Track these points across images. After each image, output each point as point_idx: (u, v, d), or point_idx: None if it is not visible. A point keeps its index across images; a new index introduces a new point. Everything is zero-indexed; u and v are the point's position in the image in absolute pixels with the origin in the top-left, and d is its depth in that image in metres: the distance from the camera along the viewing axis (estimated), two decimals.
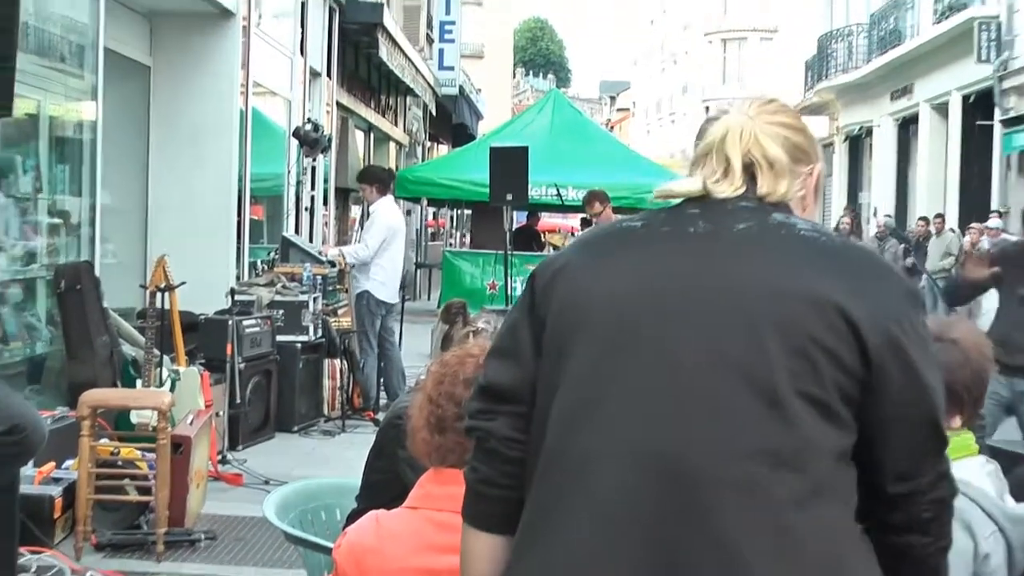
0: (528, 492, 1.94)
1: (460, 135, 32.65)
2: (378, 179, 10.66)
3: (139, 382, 7.33)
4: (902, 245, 18.64)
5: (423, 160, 27.62)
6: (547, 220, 29.86)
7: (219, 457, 7.83)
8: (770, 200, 1.98)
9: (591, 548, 1.80)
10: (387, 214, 10.55)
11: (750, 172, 2.00)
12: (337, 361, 10.01)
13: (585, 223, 13.64)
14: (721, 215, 1.96)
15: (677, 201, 2.05)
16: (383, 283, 10.35)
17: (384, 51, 18.20)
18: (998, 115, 22.16)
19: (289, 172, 13.67)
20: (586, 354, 1.90)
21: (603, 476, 1.83)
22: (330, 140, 14.54)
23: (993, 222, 18.52)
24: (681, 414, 1.81)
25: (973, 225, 18.61)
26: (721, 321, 1.84)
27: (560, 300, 1.97)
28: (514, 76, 66.23)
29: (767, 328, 1.81)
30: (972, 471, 2.78)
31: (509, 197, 12.26)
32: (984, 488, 2.76)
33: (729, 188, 1.98)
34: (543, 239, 23.92)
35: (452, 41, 29.24)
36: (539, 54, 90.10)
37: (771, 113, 2.06)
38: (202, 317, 8.79)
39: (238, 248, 11.24)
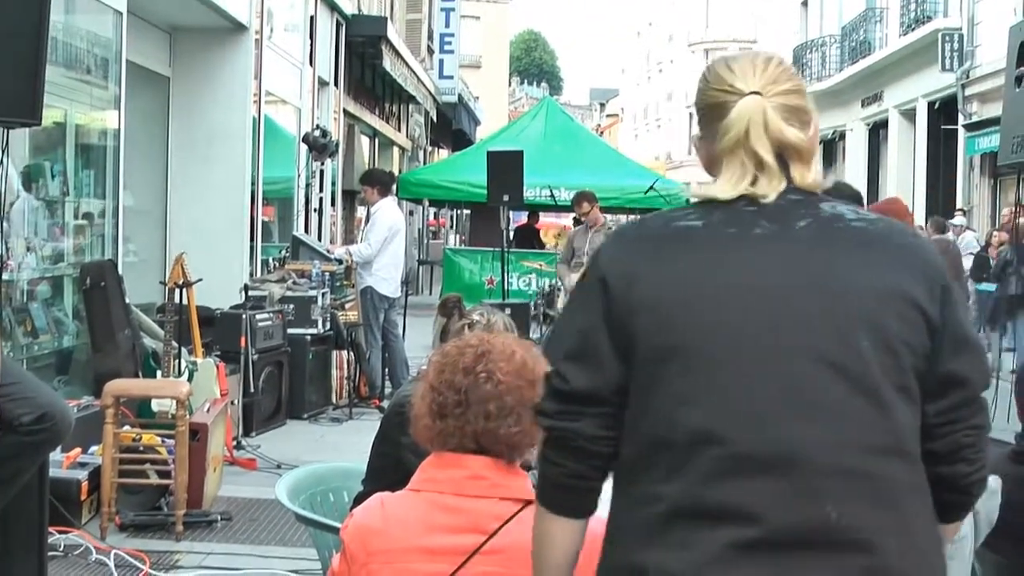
0: (633, 486, 1.89)
1: (459, 140, 32.63)
2: (379, 181, 10.62)
3: (159, 373, 7.32)
4: None
5: (425, 164, 27.60)
6: (542, 219, 29.90)
7: (234, 443, 7.83)
8: (807, 187, 1.96)
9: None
10: (388, 214, 10.50)
11: (781, 160, 1.95)
12: (344, 352, 10.00)
13: (577, 222, 13.61)
14: (777, 213, 1.91)
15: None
16: (385, 279, 10.34)
17: (388, 62, 18.18)
18: (961, 120, 22.16)
19: (299, 175, 13.67)
20: (690, 354, 1.85)
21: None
22: (337, 145, 14.54)
23: (957, 219, 18.54)
24: (790, 413, 1.80)
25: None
26: (814, 322, 1.83)
27: (649, 304, 1.88)
28: (510, 84, 66.12)
29: (856, 326, 1.83)
30: None
31: (505, 198, 12.26)
32: None
33: (771, 188, 1.93)
34: (541, 237, 23.90)
35: (451, 52, 29.22)
36: (533, 64, 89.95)
37: (777, 82, 1.97)
38: (218, 312, 8.78)
39: (251, 247, 11.24)
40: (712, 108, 1.99)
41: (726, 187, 1.95)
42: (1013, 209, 18.93)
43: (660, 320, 1.87)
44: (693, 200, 2.02)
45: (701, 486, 1.79)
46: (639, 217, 2.14)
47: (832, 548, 1.77)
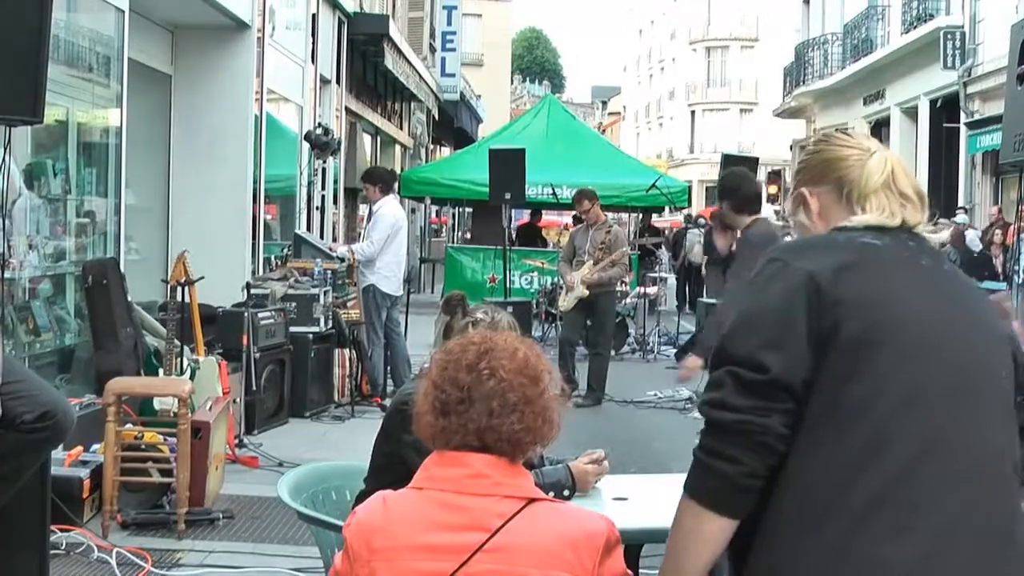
0: (842, 480, 1.97)
1: (461, 138, 32.62)
2: (381, 179, 10.62)
3: (161, 371, 7.32)
4: None
5: (427, 162, 27.59)
6: (544, 217, 29.92)
7: (236, 441, 7.84)
8: (917, 230, 2.22)
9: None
10: (389, 212, 10.52)
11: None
12: (346, 351, 10.00)
13: (577, 220, 13.60)
14: (927, 250, 2.19)
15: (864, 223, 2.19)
16: (387, 277, 10.34)
17: (390, 60, 18.18)
18: (963, 118, 22.16)
19: (301, 173, 13.67)
20: (892, 358, 2.00)
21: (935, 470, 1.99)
22: (339, 143, 14.54)
23: (959, 218, 18.53)
24: (974, 416, 2.05)
25: (941, 221, 18.58)
26: (978, 347, 2.11)
27: (855, 307, 2.01)
28: (512, 82, 66.07)
29: (997, 356, 2.14)
30: None
31: (507, 196, 12.27)
32: None
33: (918, 219, 2.22)
34: (543, 235, 23.93)
35: (453, 50, 29.23)
36: (535, 62, 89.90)
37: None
38: (220, 310, 8.78)
39: (253, 245, 11.23)
40: (832, 162, 2.28)
41: (885, 218, 2.19)
42: (999, 208, 19.02)
43: (859, 321, 2.00)
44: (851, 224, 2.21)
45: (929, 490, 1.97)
46: (801, 237, 2.33)
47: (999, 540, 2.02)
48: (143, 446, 6.13)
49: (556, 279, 15.06)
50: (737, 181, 6.89)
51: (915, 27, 24.09)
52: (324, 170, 14.44)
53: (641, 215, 22.83)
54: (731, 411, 1.97)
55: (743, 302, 2.14)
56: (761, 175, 31.62)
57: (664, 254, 21.03)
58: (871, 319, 2.00)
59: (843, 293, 2.01)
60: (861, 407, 1.97)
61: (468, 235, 25.90)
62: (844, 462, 1.96)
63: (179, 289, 7.36)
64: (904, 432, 1.97)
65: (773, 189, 26.10)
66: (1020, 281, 14.37)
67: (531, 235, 21.87)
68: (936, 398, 2.01)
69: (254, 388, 8.42)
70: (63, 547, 5.42)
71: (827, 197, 2.27)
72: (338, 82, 16.17)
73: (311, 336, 9.41)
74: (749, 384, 1.97)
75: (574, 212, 14.73)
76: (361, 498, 3.43)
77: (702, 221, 20.67)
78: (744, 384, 1.97)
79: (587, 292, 10.92)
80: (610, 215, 15.82)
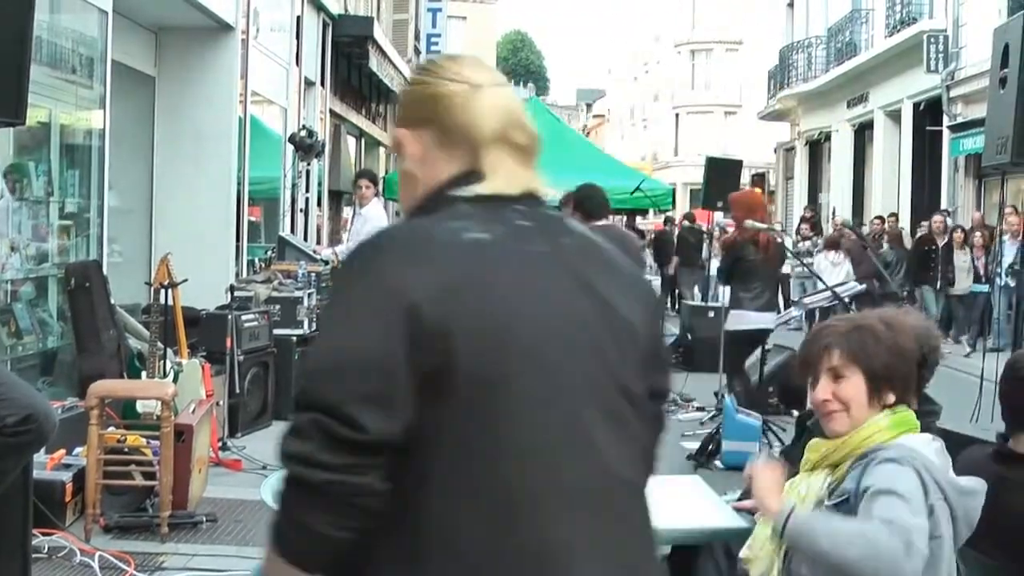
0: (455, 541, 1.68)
1: None
2: (377, 180, 10.82)
3: (144, 374, 7.30)
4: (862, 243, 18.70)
5: None
6: None
7: (219, 444, 7.81)
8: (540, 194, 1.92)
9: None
10: (380, 214, 10.69)
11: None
12: None
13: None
14: (545, 226, 1.84)
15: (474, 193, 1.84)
16: None
17: (374, 62, 18.17)
18: (946, 121, 22.23)
19: (285, 175, 13.65)
20: (515, 394, 1.70)
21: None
22: (323, 145, 14.53)
23: (937, 218, 18.63)
24: (605, 444, 1.78)
25: (924, 223, 18.66)
26: (606, 349, 1.80)
27: (468, 338, 1.67)
28: None
29: (633, 350, 1.84)
30: (919, 443, 2.84)
31: None
32: (931, 459, 2.80)
33: (536, 184, 1.92)
34: None
35: (438, 52, 29.18)
36: (519, 64, 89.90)
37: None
38: (203, 312, 8.76)
39: (237, 247, 11.22)
40: (432, 99, 1.88)
41: (501, 183, 1.85)
42: (981, 213, 19.15)
43: (485, 348, 1.68)
44: (461, 194, 1.84)
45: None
46: (403, 223, 1.91)
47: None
48: (126, 449, 6.11)
49: None
50: (588, 192, 8.07)
51: (898, 31, 24.18)
52: (308, 172, 14.42)
53: (625, 217, 22.87)
54: (320, 469, 1.63)
55: (329, 325, 1.81)
56: (745, 178, 31.74)
57: (648, 256, 21.09)
58: (488, 351, 1.67)
59: (453, 323, 1.65)
60: (479, 454, 1.68)
61: None
62: (464, 511, 1.68)
63: (162, 291, 7.34)
64: (526, 483, 1.69)
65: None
66: (1002, 284, 14.49)
67: None
68: (561, 435, 1.73)
69: (238, 391, 8.40)
70: (45, 551, 5.39)
71: (429, 139, 1.88)
72: (322, 84, 16.16)
73: (295, 338, 9.38)
74: (342, 441, 1.62)
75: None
76: None
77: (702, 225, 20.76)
78: (335, 440, 1.62)
79: None
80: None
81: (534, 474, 1.70)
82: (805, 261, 15.00)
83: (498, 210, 1.80)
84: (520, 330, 1.70)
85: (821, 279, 10.68)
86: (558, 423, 1.73)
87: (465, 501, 1.67)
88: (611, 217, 9.79)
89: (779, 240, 9.87)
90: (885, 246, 18.88)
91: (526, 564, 1.68)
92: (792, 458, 3.89)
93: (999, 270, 14.61)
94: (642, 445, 1.86)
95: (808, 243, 20.03)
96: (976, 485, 2.87)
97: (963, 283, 16.22)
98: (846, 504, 2.80)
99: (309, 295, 9.69)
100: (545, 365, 1.72)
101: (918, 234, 18.95)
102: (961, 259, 16.18)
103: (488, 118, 1.85)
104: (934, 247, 16.77)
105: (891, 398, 2.90)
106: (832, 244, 18.13)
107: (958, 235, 16.66)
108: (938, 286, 16.55)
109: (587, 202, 7.97)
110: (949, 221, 18.29)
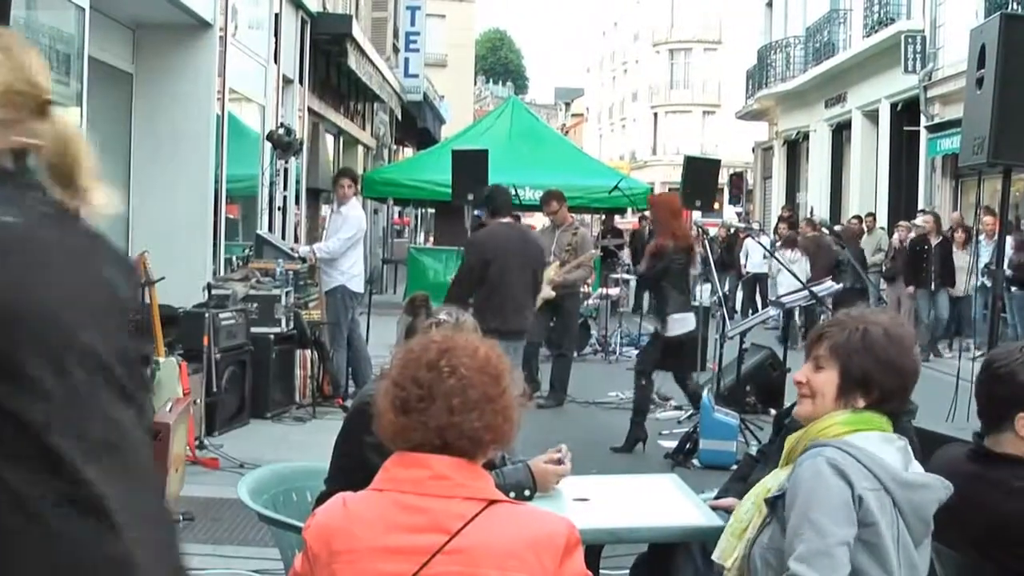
0: None
1: (424, 139, 32.56)
2: (358, 179, 10.83)
3: None
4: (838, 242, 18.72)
5: (389, 162, 27.54)
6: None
7: (196, 442, 7.79)
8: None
9: None
10: (358, 213, 10.73)
11: None
12: (308, 351, 9.98)
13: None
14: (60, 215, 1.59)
15: None
16: (356, 276, 10.47)
17: (353, 60, 18.12)
18: (924, 121, 22.36)
19: (263, 173, 13.61)
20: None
21: None
22: (302, 143, 14.49)
23: (919, 220, 18.65)
24: None
25: (901, 223, 18.74)
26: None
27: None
28: (475, 83, 66.08)
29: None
30: (870, 441, 2.88)
31: (470, 197, 12.27)
32: (880, 455, 2.85)
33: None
34: None
35: (417, 51, 29.16)
36: (499, 63, 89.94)
37: None
38: (180, 310, 8.73)
39: (214, 245, 11.17)
40: None
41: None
42: (960, 213, 19.23)
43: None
44: None
45: None
46: None
47: None
48: None
49: None
50: (493, 192, 8.79)
51: (876, 31, 24.29)
52: (286, 170, 14.37)
53: (604, 216, 22.92)
54: None
55: None
56: (723, 177, 31.82)
57: (626, 255, 21.11)
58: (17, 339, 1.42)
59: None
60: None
61: (432, 237, 25.88)
62: None
63: (139, 289, 7.30)
64: None
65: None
66: (978, 284, 14.56)
67: None
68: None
69: (215, 389, 8.38)
70: None
71: None
72: (301, 82, 16.11)
73: (272, 337, 9.37)
74: None
75: (538, 213, 14.77)
76: (321, 500, 3.43)
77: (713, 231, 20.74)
78: None
79: (553, 293, 10.94)
80: (575, 217, 15.88)
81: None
82: (780, 261, 14.98)
83: (15, 183, 1.57)
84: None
85: (799, 278, 10.72)
86: None
87: None
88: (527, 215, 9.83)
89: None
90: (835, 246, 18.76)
91: None
92: (769, 456, 3.90)
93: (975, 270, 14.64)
94: None
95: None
96: (926, 479, 2.90)
97: (962, 284, 15.92)
98: (781, 500, 2.89)
99: (287, 293, 9.68)
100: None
101: (895, 234, 18.95)
102: (962, 260, 15.88)
103: None
104: (927, 247, 16.48)
105: (861, 403, 2.95)
106: (790, 243, 18.10)
107: (959, 235, 16.50)
108: (932, 287, 16.19)
109: (492, 201, 8.56)
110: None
